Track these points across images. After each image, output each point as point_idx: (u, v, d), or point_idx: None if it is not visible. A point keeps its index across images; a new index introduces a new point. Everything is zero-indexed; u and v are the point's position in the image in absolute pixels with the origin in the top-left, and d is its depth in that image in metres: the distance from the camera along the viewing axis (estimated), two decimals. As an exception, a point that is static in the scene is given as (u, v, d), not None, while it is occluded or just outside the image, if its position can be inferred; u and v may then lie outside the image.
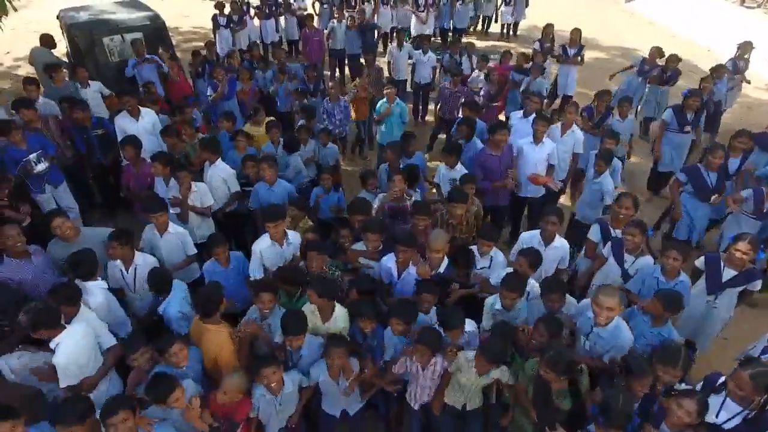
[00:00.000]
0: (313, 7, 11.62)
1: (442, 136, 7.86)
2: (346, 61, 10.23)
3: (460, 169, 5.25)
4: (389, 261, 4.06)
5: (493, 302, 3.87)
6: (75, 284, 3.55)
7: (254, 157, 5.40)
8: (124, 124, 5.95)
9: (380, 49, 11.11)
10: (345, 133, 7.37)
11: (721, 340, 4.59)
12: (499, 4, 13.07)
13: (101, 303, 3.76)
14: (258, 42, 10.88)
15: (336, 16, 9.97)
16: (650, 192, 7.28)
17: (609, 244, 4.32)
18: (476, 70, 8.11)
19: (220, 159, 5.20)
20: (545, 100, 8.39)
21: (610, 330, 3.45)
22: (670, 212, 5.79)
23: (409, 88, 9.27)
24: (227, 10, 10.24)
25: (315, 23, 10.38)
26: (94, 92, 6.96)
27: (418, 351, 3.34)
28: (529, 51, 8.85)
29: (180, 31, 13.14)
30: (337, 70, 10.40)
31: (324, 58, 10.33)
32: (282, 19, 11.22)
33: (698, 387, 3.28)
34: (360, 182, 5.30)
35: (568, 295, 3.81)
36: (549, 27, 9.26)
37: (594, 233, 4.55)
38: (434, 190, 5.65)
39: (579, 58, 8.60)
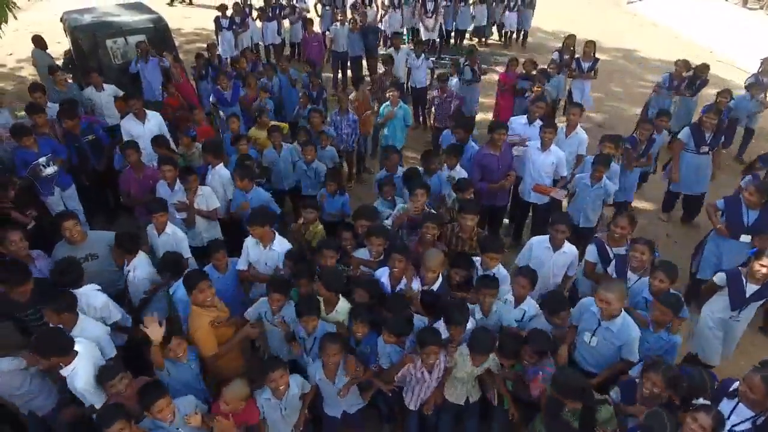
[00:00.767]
0: (315, 8, 11.64)
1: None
2: (348, 63, 10.23)
3: (460, 171, 5.28)
4: (383, 275, 4.06)
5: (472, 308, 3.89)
6: (70, 292, 3.54)
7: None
8: (131, 127, 5.96)
9: (381, 51, 11.08)
10: (351, 148, 7.05)
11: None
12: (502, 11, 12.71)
13: (104, 302, 3.79)
14: (259, 43, 10.88)
15: (339, 18, 9.98)
16: (667, 214, 6.93)
17: (613, 262, 4.27)
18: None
19: (221, 164, 5.20)
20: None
21: (619, 324, 3.51)
22: (703, 246, 5.25)
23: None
24: (230, 11, 10.26)
25: (316, 25, 10.37)
26: (108, 96, 6.94)
27: (426, 355, 3.35)
28: (537, 57, 8.58)
29: (182, 32, 13.15)
30: (339, 72, 10.40)
31: (323, 62, 10.31)
32: (286, 22, 11.22)
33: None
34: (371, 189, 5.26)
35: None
36: (570, 38, 8.86)
37: (591, 254, 4.43)
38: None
39: (593, 72, 8.42)
